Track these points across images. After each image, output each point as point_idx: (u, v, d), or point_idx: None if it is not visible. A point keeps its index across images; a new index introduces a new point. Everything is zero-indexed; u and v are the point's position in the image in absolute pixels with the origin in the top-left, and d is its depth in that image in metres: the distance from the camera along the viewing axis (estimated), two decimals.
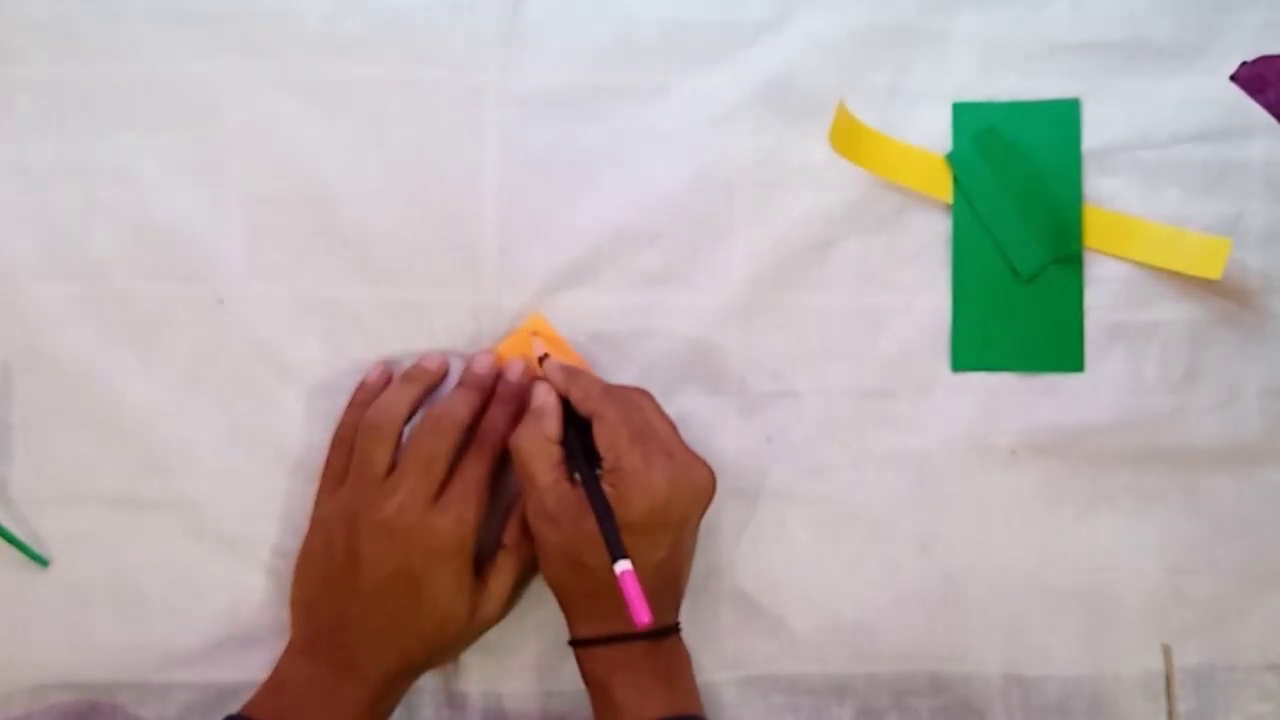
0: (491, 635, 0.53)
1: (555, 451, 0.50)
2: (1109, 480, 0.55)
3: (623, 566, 0.45)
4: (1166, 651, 0.54)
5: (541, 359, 0.53)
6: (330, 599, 0.50)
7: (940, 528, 0.55)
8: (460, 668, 0.55)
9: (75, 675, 0.54)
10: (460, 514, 0.49)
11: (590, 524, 0.47)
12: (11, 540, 0.54)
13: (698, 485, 0.50)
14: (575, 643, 0.51)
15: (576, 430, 0.51)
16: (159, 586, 0.54)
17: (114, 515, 0.54)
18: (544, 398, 0.51)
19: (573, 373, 0.52)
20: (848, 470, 0.55)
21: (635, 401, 0.51)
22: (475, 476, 0.51)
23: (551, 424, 0.50)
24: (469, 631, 0.51)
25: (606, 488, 0.48)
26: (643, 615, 0.44)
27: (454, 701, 0.55)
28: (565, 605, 0.51)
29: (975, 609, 0.55)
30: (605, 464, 0.49)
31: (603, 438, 0.49)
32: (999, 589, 0.55)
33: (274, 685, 0.50)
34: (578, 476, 0.50)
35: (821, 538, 0.55)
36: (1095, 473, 0.55)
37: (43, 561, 0.54)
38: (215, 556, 0.54)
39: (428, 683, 0.54)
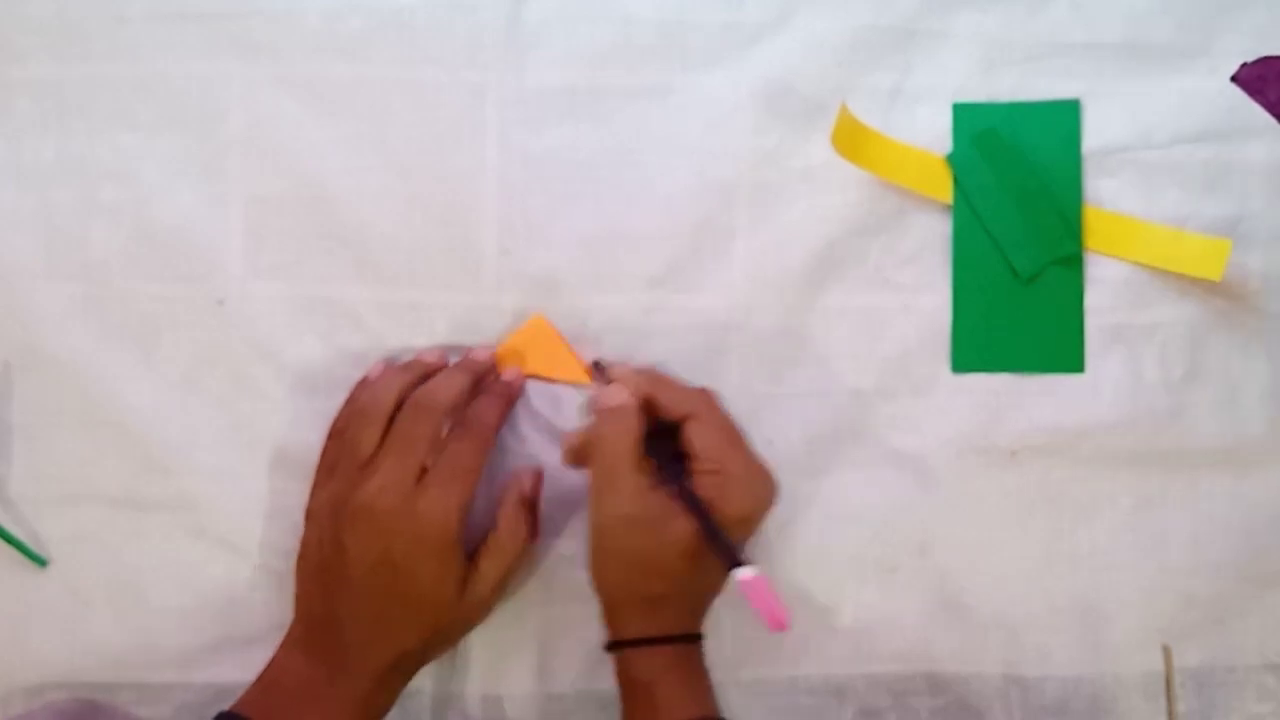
0: (492, 637, 0.54)
1: (637, 453, 0.49)
2: (1109, 481, 0.55)
3: (747, 573, 0.45)
4: (1166, 652, 0.54)
5: (598, 366, 0.53)
6: (321, 592, 0.50)
7: (940, 528, 0.55)
8: (460, 670, 0.55)
9: (74, 675, 0.54)
10: (443, 496, 0.48)
11: (679, 529, 0.47)
12: (10, 540, 0.54)
13: (773, 489, 0.50)
14: (621, 644, 0.50)
15: (653, 433, 0.50)
16: (158, 586, 0.54)
17: (113, 515, 0.54)
18: (619, 397, 0.50)
19: (655, 375, 0.52)
20: (848, 471, 0.55)
21: (716, 401, 0.51)
22: (459, 460, 0.50)
23: (633, 423, 0.49)
24: (462, 619, 0.51)
25: (701, 491, 0.48)
26: (780, 617, 0.44)
27: (453, 704, 0.54)
28: (615, 606, 0.50)
29: (975, 609, 0.55)
30: (701, 465, 0.48)
31: (702, 438, 0.49)
32: (999, 589, 0.55)
33: (266, 682, 0.49)
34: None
35: (822, 538, 0.55)
36: (1095, 473, 0.55)
37: (42, 561, 0.54)
38: (215, 556, 0.54)
39: (427, 685, 0.54)
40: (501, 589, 0.52)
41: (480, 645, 0.54)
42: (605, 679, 0.54)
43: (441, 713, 0.54)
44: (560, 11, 0.55)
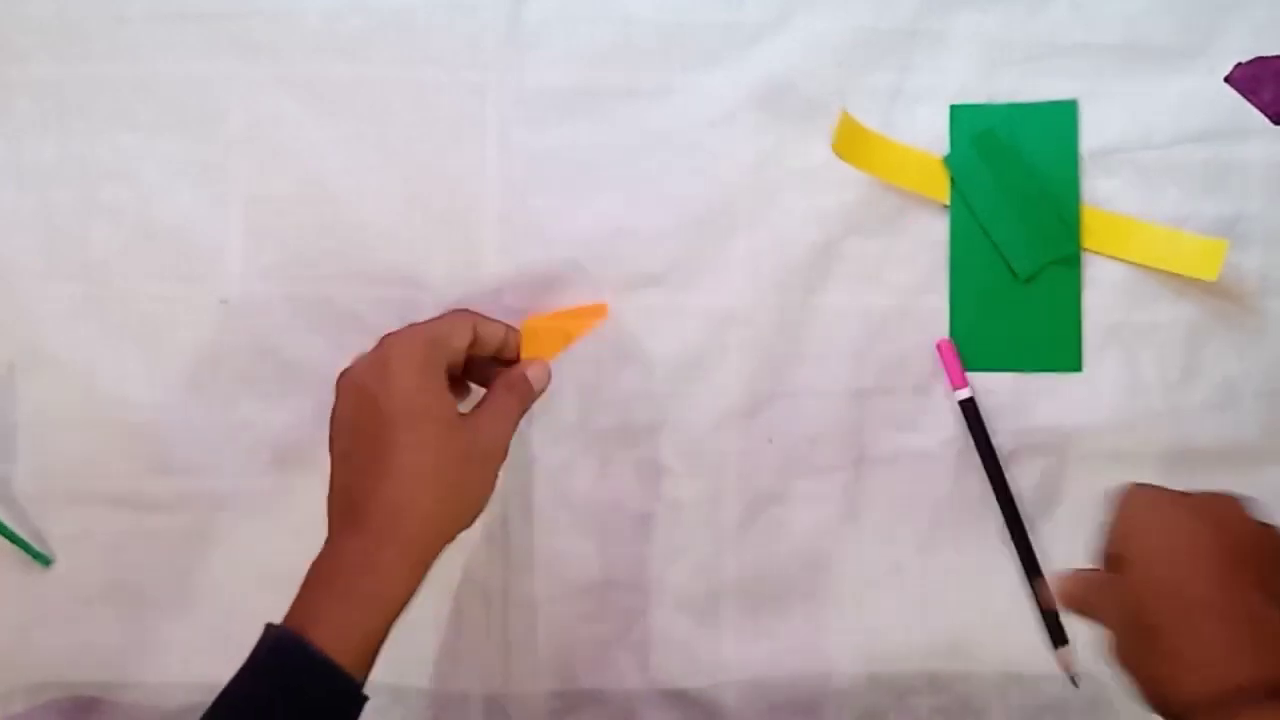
0: (494, 635, 0.54)
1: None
2: (1106, 480, 0.55)
3: None
4: None
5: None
6: (342, 488, 0.47)
7: (940, 527, 0.55)
8: (463, 669, 0.55)
9: (76, 673, 0.54)
10: (404, 335, 0.48)
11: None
12: (14, 539, 0.54)
13: None
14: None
15: None
16: (160, 585, 0.55)
17: (116, 515, 0.54)
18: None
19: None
20: (848, 470, 0.55)
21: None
22: (423, 325, 0.49)
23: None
24: (472, 442, 0.47)
25: None
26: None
27: (455, 703, 0.55)
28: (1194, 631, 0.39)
29: (973, 608, 0.55)
30: None
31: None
32: (997, 588, 0.55)
33: (304, 584, 0.45)
34: None
35: (821, 537, 0.55)
36: (1093, 472, 0.55)
37: (45, 560, 0.54)
38: (217, 555, 0.55)
39: (429, 684, 0.54)
40: (508, 426, 0.49)
41: (484, 643, 0.54)
42: (607, 677, 0.54)
43: (443, 712, 0.55)
44: (560, 11, 0.55)
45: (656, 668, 0.55)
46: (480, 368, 0.52)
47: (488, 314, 0.54)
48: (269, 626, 0.44)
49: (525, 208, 0.55)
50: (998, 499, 0.54)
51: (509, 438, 0.49)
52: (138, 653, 0.54)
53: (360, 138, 0.55)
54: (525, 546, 0.55)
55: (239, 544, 0.54)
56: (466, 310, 0.51)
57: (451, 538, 0.47)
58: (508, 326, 0.52)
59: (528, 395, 0.51)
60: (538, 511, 0.55)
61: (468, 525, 0.48)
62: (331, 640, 0.42)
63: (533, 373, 0.52)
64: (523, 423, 0.54)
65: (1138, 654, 0.41)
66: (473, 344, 0.50)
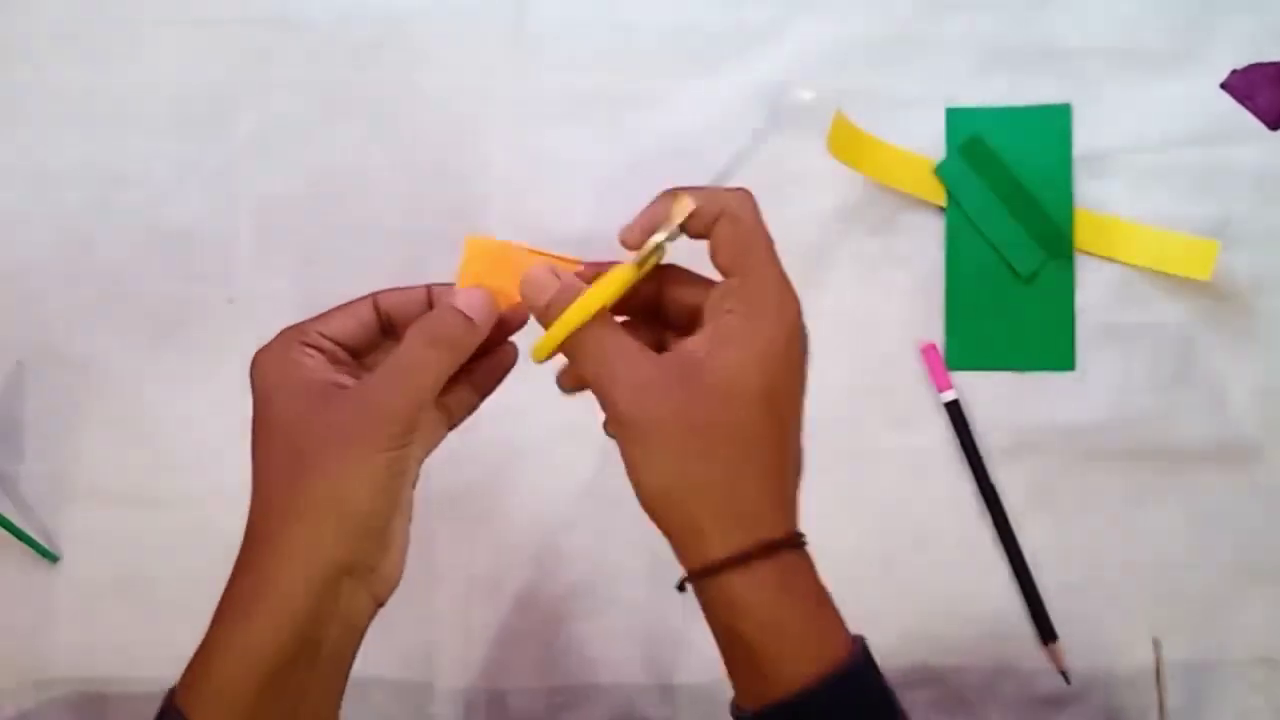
0: (495, 630, 0.54)
1: (607, 321, 0.38)
2: (1100, 477, 0.56)
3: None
4: (1157, 645, 0.55)
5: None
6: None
7: (934, 524, 0.56)
8: (464, 664, 0.55)
9: (84, 669, 0.55)
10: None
11: (717, 369, 0.35)
12: (22, 537, 0.55)
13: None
14: (707, 571, 0.35)
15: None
16: (168, 582, 0.55)
17: (124, 512, 0.55)
18: (542, 278, 0.38)
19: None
20: (845, 467, 0.56)
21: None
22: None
23: (586, 301, 0.37)
24: (350, 414, 0.37)
25: (726, 315, 0.37)
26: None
27: (457, 698, 0.55)
28: (683, 524, 0.36)
29: (969, 603, 0.55)
30: (732, 274, 0.38)
31: (736, 242, 0.38)
32: (991, 584, 0.55)
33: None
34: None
35: (819, 533, 0.55)
36: (1086, 470, 0.56)
37: (53, 557, 0.55)
38: (224, 553, 0.55)
39: (432, 678, 0.55)
40: (413, 383, 0.37)
41: (484, 639, 0.54)
42: (607, 671, 0.54)
43: (445, 706, 0.55)
44: (562, 18, 0.56)
45: (656, 662, 0.55)
46: None
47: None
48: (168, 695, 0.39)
49: (527, 209, 0.56)
50: (984, 499, 0.55)
51: (419, 396, 0.37)
52: (146, 648, 0.55)
53: (367, 141, 0.56)
54: (527, 541, 0.56)
55: None
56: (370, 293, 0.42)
57: (354, 538, 0.38)
58: (430, 286, 0.41)
59: (454, 334, 0.38)
60: (538, 506, 0.56)
61: (375, 519, 0.38)
62: (199, 707, 0.38)
63: (464, 301, 0.38)
64: (524, 416, 0.55)
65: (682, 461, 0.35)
66: (387, 320, 0.41)
